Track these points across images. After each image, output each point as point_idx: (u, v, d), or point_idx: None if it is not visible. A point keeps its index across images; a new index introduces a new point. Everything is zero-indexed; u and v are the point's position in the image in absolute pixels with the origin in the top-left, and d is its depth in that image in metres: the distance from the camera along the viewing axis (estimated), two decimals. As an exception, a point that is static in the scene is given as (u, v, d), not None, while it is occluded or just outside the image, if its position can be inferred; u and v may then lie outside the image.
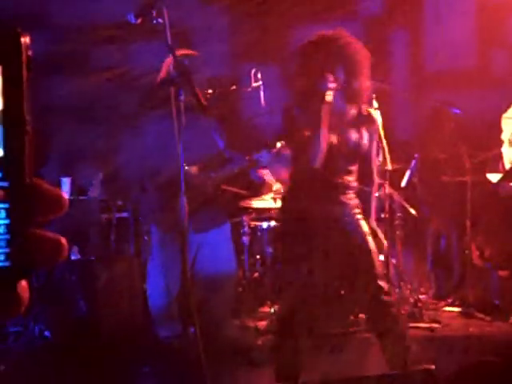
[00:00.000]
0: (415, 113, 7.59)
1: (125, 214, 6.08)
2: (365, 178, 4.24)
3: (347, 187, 4.12)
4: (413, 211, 6.73)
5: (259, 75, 5.31)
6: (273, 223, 6.54)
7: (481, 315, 6.30)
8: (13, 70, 0.77)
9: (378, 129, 4.31)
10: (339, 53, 4.02)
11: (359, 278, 4.10)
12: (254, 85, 5.31)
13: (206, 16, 7.44)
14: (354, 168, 4.14)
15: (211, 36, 7.44)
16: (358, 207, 4.17)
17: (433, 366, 4.42)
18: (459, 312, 6.51)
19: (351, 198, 4.15)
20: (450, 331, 5.74)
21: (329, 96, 3.91)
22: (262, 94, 5.26)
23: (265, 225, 6.59)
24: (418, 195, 6.96)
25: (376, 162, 4.32)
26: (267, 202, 6.44)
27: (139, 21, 3.69)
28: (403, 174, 6.75)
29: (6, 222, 0.77)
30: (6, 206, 0.77)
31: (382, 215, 6.27)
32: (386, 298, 4.08)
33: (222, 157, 5.05)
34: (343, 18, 7.81)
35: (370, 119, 4.19)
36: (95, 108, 5.66)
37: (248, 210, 6.74)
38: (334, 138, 4.00)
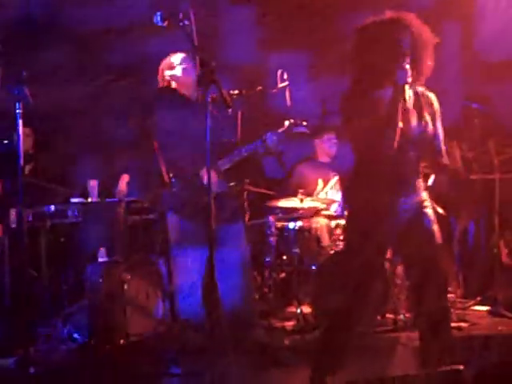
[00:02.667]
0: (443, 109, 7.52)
1: (152, 216, 6.10)
2: (432, 162, 4.10)
3: (415, 174, 3.98)
4: (440, 210, 6.69)
5: (285, 76, 5.32)
6: (299, 223, 6.53)
7: (510, 314, 6.25)
8: None
9: (438, 110, 4.07)
10: (410, 32, 3.89)
11: (422, 275, 4.00)
12: (281, 85, 5.31)
13: (232, 13, 7.44)
14: (421, 154, 3.99)
15: (238, 31, 7.43)
16: (426, 195, 4.04)
17: (461, 366, 4.39)
18: (488, 311, 6.46)
19: (419, 187, 4.00)
20: (478, 330, 5.70)
21: (407, 76, 3.78)
22: (287, 94, 5.26)
23: (291, 225, 6.58)
24: (446, 193, 6.92)
25: (443, 143, 4.06)
26: (294, 201, 6.44)
27: (166, 23, 3.71)
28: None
29: None
30: None
31: (409, 214, 6.25)
32: (447, 303, 4.05)
33: (228, 144, 5.04)
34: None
35: (428, 101, 4.05)
36: (121, 109, 5.68)
37: (274, 211, 6.75)
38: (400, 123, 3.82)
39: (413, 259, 4.01)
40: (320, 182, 6.98)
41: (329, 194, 6.96)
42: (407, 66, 3.80)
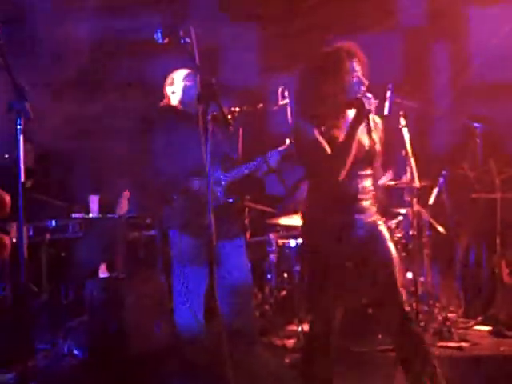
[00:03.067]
0: (443, 129, 7.54)
1: (153, 232, 6.11)
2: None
3: (364, 193, 4.06)
4: (441, 229, 6.69)
5: (286, 93, 5.33)
6: (300, 241, 6.52)
7: (512, 334, 6.23)
8: None
9: (382, 134, 4.22)
10: (360, 61, 3.99)
11: (381, 295, 4.02)
12: (281, 103, 5.32)
13: (234, 32, 7.47)
14: (370, 172, 4.10)
15: (239, 51, 7.46)
16: (376, 213, 4.12)
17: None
18: (489, 331, 6.43)
19: (370, 204, 4.09)
20: (479, 350, 5.67)
21: (371, 103, 3.89)
22: (289, 111, 5.27)
23: (292, 243, 6.57)
24: (447, 213, 6.91)
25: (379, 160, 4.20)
26: (295, 219, 6.43)
27: (166, 40, 3.72)
28: (431, 192, 6.72)
29: None
30: None
31: (410, 232, 6.24)
32: (411, 325, 4.00)
33: (230, 161, 5.04)
34: (384, 28, 7.81)
35: (375, 125, 4.14)
36: (121, 125, 5.71)
37: (275, 228, 6.75)
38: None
39: (370, 278, 4.04)
40: None
41: None
42: (369, 94, 3.91)
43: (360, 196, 4.04)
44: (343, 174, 3.88)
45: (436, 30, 7.88)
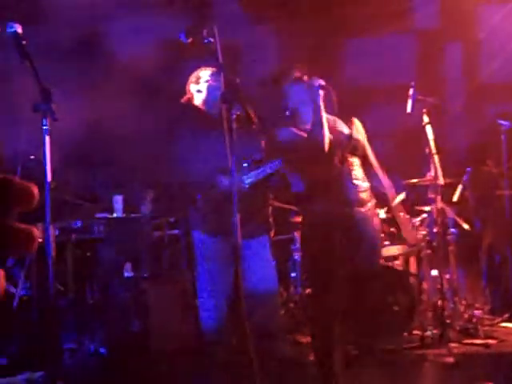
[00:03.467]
0: (468, 126, 7.51)
1: (176, 231, 6.12)
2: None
3: (357, 179, 4.34)
4: (466, 226, 6.65)
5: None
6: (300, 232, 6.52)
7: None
8: None
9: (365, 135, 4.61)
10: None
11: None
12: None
13: (254, 34, 7.48)
14: (359, 161, 4.43)
15: (260, 53, 7.48)
16: (375, 206, 4.46)
17: (490, 384, 4.36)
18: (517, 327, 6.39)
19: (368, 197, 4.38)
20: (506, 347, 5.64)
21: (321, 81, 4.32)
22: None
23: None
24: (471, 209, 6.88)
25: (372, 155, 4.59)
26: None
27: (190, 40, 3.73)
28: (455, 189, 6.69)
29: None
30: None
31: (435, 230, 6.22)
32: None
33: (253, 161, 5.03)
34: (397, 30, 7.81)
35: (356, 127, 4.56)
36: (145, 126, 5.72)
37: (299, 226, 6.74)
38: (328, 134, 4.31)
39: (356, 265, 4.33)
40: None
41: None
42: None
43: (356, 186, 4.31)
44: (327, 143, 4.22)
45: (449, 31, 7.86)
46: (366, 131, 4.64)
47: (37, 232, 0.85)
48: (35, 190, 0.85)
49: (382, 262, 6.23)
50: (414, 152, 6.52)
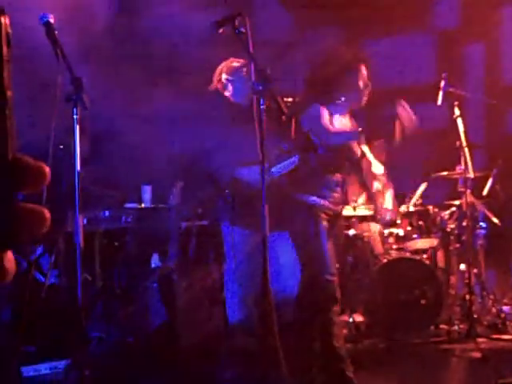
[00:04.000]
0: (497, 119, 7.45)
1: (205, 222, 6.12)
2: None
3: None
4: (495, 220, 6.60)
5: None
6: (352, 231, 6.49)
7: None
8: None
9: None
10: None
11: None
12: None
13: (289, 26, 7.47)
14: None
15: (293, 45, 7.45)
16: None
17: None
18: None
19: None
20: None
21: None
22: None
23: (344, 233, 6.54)
24: (501, 204, 6.82)
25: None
26: (347, 209, 6.40)
27: (221, 30, 3.72)
28: (486, 182, 6.63)
29: None
30: None
31: (464, 223, 6.18)
32: None
33: (282, 152, 5.00)
34: (417, 31, 7.77)
35: None
36: (176, 116, 5.71)
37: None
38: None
39: None
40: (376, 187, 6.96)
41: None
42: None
43: None
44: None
45: (470, 31, 7.80)
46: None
47: (48, 213, 0.84)
48: (46, 170, 0.84)
49: (409, 255, 6.21)
50: (442, 146, 6.49)
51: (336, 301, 4.46)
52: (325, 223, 4.61)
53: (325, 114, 4.54)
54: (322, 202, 4.64)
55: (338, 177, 4.75)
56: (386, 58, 6.99)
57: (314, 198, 4.62)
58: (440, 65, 7.83)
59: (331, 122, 4.56)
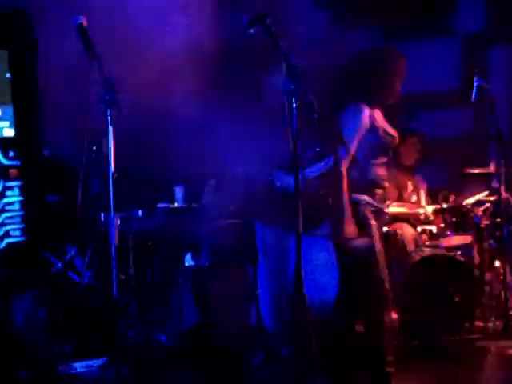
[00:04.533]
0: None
1: (237, 220, 6.13)
2: None
3: None
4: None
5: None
6: (385, 228, 6.46)
7: None
8: (20, 52, 0.80)
9: None
10: None
11: None
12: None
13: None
14: None
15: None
16: None
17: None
18: None
19: None
20: None
21: None
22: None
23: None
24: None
25: None
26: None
27: (253, 29, 3.72)
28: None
29: (20, 198, 0.80)
30: (19, 183, 0.79)
31: (498, 220, 6.14)
32: None
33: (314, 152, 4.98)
34: (441, 34, 7.72)
35: None
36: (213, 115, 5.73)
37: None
38: None
39: None
40: (410, 185, 6.97)
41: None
42: None
43: None
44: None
45: (495, 34, 7.73)
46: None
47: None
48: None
49: (443, 252, 6.17)
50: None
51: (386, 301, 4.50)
52: (373, 222, 4.59)
53: (367, 111, 4.50)
54: (369, 199, 4.61)
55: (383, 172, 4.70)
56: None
57: (364, 197, 4.59)
58: (465, 68, 7.77)
59: (374, 118, 4.51)
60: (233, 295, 5.65)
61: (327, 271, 4.93)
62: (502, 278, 6.03)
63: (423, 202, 6.96)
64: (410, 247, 6.35)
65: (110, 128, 3.91)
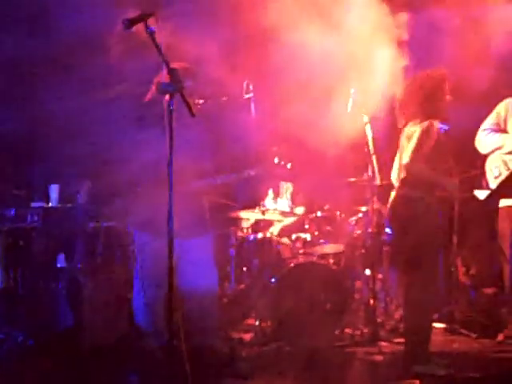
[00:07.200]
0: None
1: (112, 223, 6.06)
2: None
3: None
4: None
5: (251, 87, 5.32)
6: (260, 235, 6.53)
7: (466, 332, 6.28)
8: None
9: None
10: None
11: None
12: (246, 96, 5.31)
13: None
14: None
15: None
16: None
17: (417, 382, 4.43)
18: (444, 328, 6.49)
19: None
20: (433, 347, 5.73)
21: None
22: (252, 105, 5.27)
23: (251, 236, 6.58)
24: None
25: None
26: (256, 214, 6.44)
27: (133, 28, 3.70)
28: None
29: None
30: None
31: (370, 230, 6.30)
32: None
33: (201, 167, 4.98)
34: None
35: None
36: (87, 118, 5.65)
37: (237, 222, 6.75)
38: None
39: None
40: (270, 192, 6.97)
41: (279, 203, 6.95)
42: None
43: None
44: None
45: None
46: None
47: None
48: None
49: (316, 259, 6.29)
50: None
51: None
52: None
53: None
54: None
55: None
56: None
57: None
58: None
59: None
60: (106, 297, 5.57)
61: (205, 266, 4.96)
62: (371, 286, 6.18)
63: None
64: (285, 254, 6.44)
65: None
